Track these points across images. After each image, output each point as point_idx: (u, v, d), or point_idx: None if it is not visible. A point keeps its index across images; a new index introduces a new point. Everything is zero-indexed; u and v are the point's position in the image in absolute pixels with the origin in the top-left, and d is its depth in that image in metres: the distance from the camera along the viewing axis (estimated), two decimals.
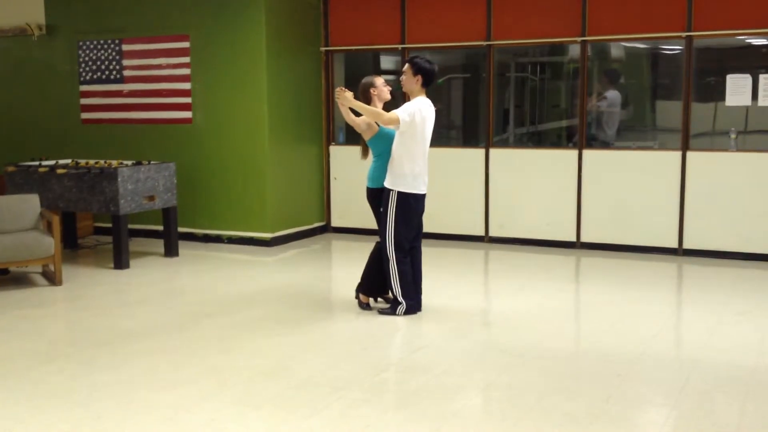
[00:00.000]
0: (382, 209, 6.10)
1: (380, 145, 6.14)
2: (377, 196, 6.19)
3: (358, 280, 6.52)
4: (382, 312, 6.26)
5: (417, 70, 6.02)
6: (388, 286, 6.26)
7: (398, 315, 6.17)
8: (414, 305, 6.23)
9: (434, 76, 6.12)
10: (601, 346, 5.56)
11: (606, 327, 6.01)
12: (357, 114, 6.10)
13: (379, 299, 6.53)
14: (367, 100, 6.17)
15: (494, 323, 6.27)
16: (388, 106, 6.19)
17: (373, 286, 6.41)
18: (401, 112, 5.90)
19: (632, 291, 7.09)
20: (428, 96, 6.16)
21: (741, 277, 7.64)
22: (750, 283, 7.40)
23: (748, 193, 8.17)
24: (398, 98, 6.26)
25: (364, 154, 6.42)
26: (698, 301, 6.84)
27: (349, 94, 5.96)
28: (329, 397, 4.57)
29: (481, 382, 4.93)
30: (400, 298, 6.17)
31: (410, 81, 6.05)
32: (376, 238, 6.32)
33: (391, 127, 6.00)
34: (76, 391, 4.75)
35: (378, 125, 6.09)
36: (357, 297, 6.49)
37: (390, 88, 6.33)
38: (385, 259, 6.15)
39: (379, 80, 6.25)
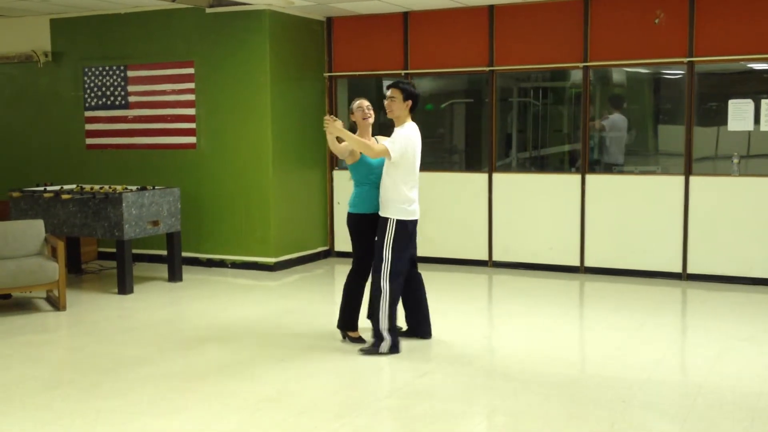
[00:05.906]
0: (377, 239, 5.95)
1: (360, 173, 6.09)
2: (358, 222, 6.11)
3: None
4: (363, 352, 5.94)
5: (407, 95, 5.93)
6: (374, 319, 5.95)
7: (382, 353, 5.88)
8: (399, 342, 5.94)
9: (420, 100, 6.13)
10: (606, 371, 5.54)
11: (610, 352, 6.00)
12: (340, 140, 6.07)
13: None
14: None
15: (498, 348, 6.25)
16: (378, 127, 6.12)
17: (354, 318, 6.20)
18: (392, 147, 5.81)
19: (636, 316, 7.07)
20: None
21: (745, 301, 7.63)
22: (754, 307, 7.39)
23: (751, 218, 8.17)
24: (389, 123, 6.20)
25: None
26: (703, 326, 6.82)
27: (339, 123, 5.92)
28: (333, 423, 4.55)
29: (486, 407, 4.92)
30: (385, 334, 5.88)
31: (400, 106, 5.94)
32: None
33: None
34: (80, 417, 4.74)
35: (360, 153, 6.03)
36: (345, 337, 6.22)
37: (368, 104, 6.14)
38: (377, 291, 5.91)
39: (356, 104, 6.17)
